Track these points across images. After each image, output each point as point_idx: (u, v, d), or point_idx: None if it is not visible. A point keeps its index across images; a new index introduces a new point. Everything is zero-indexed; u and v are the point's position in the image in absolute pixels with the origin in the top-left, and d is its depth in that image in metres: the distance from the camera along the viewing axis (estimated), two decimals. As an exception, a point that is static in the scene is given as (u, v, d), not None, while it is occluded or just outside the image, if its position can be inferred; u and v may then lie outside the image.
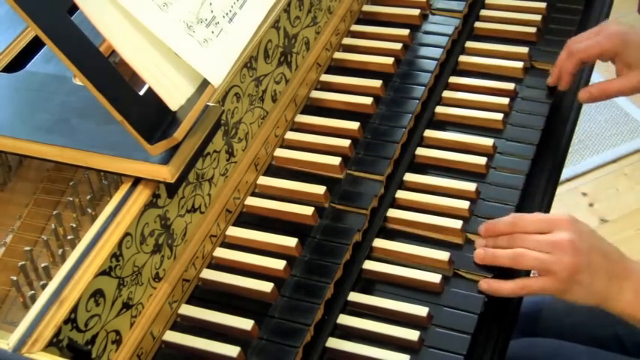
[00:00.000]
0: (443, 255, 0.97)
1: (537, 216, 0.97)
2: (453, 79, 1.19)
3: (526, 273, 0.98)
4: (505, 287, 0.94)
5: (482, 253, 0.97)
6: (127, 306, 0.87)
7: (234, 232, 1.01)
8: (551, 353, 1.15)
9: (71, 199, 0.98)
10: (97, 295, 0.82)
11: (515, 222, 0.96)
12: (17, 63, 1.03)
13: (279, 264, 0.96)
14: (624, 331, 1.15)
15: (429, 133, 1.13)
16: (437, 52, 1.21)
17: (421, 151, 1.10)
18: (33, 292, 0.92)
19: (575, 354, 1.14)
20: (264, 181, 1.07)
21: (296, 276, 0.96)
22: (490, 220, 0.99)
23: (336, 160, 1.06)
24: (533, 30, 1.24)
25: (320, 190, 1.03)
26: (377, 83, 1.16)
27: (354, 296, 0.95)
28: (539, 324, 1.21)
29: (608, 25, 1.11)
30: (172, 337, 0.92)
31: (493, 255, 0.96)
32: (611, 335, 1.16)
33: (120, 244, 0.84)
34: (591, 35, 1.12)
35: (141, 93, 0.86)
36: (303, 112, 1.15)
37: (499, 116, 1.12)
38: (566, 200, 2.30)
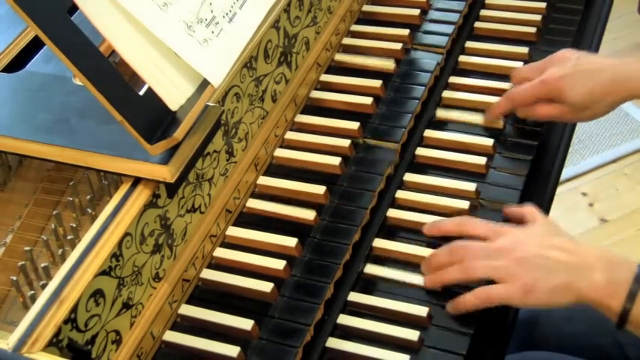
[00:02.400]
0: (443, 255, 0.97)
1: (481, 223, 0.96)
2: (453, 79, 1.19)
3: None
4: (469, 300, 0.91)
5: (432, 277, 0.95)
6: (126, 306, 0.87)
7: (234, 232, 1.01)
8: None
9: (71, 199, 0.98)
10: (97, 295, 0.82)
11: (463, 222, 0.96)
12: (17, 63, 1.03)
13: (279, 264, 0.96)
14: (625, 338, 1.15)
15: (429, 133, 1.13)
16: (437, 53, 1.21)
17: (421, 151, 1.10)
18: (33, 292, 0.92)
19: None
20: (264, 181, 1.07)
21: (296, 276, 0.96)
22: (434, 221, 0.99)
23: (336, 160, 1.06)
24: (533, 30, 1.24)
25: (320, 190, 1.03)
26: (377, 83, 1.16)
27: (354, 296, 0.95)
28: (537, 332, 1.21)
29: (553, 62, 1.09)
30: (172, 337, 0.92)
31: (442, 276, 0.94)
32: (612, 343, 1.15)
33: (120, 244, 0.84)
34: (537, 69, 1.10)
35: (141, 93, 0.86)
36: (303, 112, 1.15)
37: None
38: (566, 200, 2.30)
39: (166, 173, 0.86)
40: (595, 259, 0.90)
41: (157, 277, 0.91)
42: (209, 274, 0.97)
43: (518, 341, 1.20)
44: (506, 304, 0.91)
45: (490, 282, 0.92)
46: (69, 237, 0.95)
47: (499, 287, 0.90)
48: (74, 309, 0.79)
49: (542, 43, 1.24)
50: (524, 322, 1.19)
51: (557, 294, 0.89)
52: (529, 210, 0.98)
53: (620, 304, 0.88)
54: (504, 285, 0.90)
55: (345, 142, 1.09)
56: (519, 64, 1.19)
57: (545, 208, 1.06)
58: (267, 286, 0.94)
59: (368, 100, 1.14)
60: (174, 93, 0.87)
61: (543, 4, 1.28)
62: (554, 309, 1.21)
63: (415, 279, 0.96)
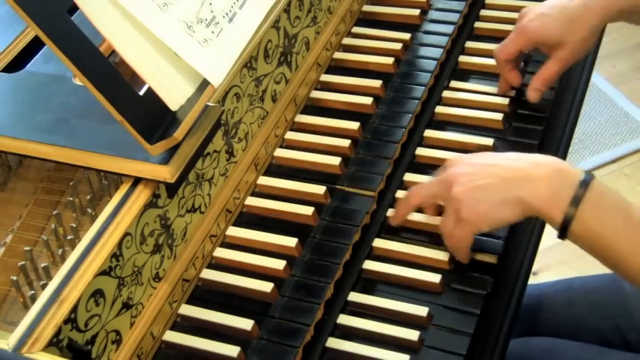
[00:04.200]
0: (443, 255, 0.97)
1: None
2: (452, 79, 1.19)
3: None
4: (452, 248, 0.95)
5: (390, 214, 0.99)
6: (127, 306, 0.87)
7: (234, 232, 1.01)
8: (544, 350, 1.15)
9: (71, 199, 0.98)
10: (97, 295, 0.82)
11: (410, 194, 0.99)
12: (17, 63, 1.03)
13: (279, 264, 0.96)
14: (624, 322, 1.15)
15: (429, 133, 1.13)
16: (437, 52, 1.21)
17: (421, 151, 1.10)
18: (33, 292, 0.92)
19: (567, 349, 1.14)
20: (264, 181, 1.07)
21: (296, 276, 0.96)
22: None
23: (336, 160, 1.07)
24: (533, 30, 1.24)
25: (320, 190, 1.03)
26: (377, 83, 1.16)
27: (354, 296, 0.95)
28: (539, 317, 1.21)
29: (521, 18, 1.11)
30: (172, 337, 0.92)
31: (395, 212, 0.99)
32: (612, 327, 1.16)
33: (120, 244, 0.84)
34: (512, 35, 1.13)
35: (141, 93, 0.86)
36: (303, 112, 1.15)
37: (499, 116, 1.12)
38: (566, 200, 2.30)
39: (166, 173, 0.86)
40: (539, 169, 0.88)
41: (157, 277, 0.91)
42: (209, 274, 0.97)
43: (520, 327, 1.21)
44: (470, 236, 0.92)
45: None
46: (69, 237, 0.95)
47: (445, 215, 0.93)
48: (74, 309, 0.80)
49: (542, 43, 1.24)
50: (525, 307, 1.19)
51: (503, 209, 0.89)
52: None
53: (563, 211, 0.85)
54: (449, 212, 0.92)
55: (345, 142, 1.09)
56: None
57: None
58: (267, 286, 0.94)
59: (368, 100, 1.14)
60: (174, 93, 0.87)
61: (543, 4, 1.28)
62: (557, 293, 1.21)
63: (415, 279, 0.96)
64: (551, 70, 1.11)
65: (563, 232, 0.86)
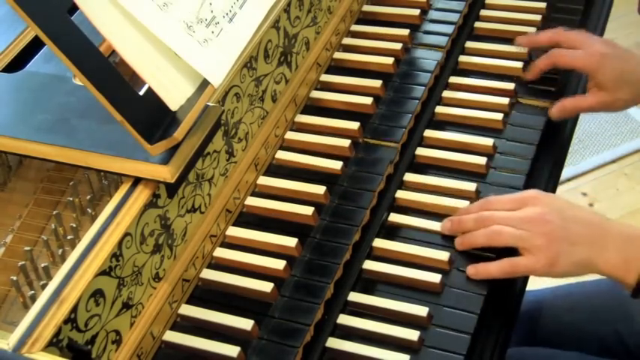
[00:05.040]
0: (443, 255, 0.97)
1: (506, 196, 0.99)
2: (453, 79, 1.19)
3: None
4: (493, 269, 0.95)
5: (460, 239, 0.98)
6: (127, 306, 0.87)
7: (234, 232, 1.01)
8: (542, 359, 1.15)
9: (71, 199, 0.98)
10: (97, 295, 0.82)
11: (485, 204, 0.98)
12: (17, 63, 1.03)
13: (279, 264, 0.96)
14: (624, 327, 1.15)
15: (429, 133, 1.13)
16: (437, 52, 1.21)
17: (421, 151, 1.10)
18: (33, 292, 0.92)
19: (565, 359, 1.14)
20: (264, 181, 1.07)
21: (296, 276, 0.96)
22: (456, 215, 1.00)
23: (336, 161, 1.06)
24: (533, 30, 1.24)
25: (320, 190, 1.03)
26: (377, 83, 1.16)
27: (354, 296, 0.95)
28: (539, 323, 1.22)
29: (594, 43, 1.12)
30: (172, 337, 0.92)
31: (470, 239, 0.97)
32: (612, 332, 1.16)
33: (120, 244, 0.84)
34: (581, 41, 1.13)
35: (141, 93, 0.86)
36: (303, 112, 1.15)
37: (499, 116, 1.12)
38: (566, 200, 2.30)
39: (166, 173, 0.86)
40: (612, 235, 0.93)
41: (157, 277, 0.91)
42: (209, 274, 0.97)
43: (519, 333, 1.21)
44: (528, 274, 0.95)
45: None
46: (69, 237, 0.95)
47: (524, 259, 0.94)
48: (74, 309, 0.79)
49: (542, 43, 1.24)
50: (525, 314, 1.20)
51: (578, 267, 0.93)
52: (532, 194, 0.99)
53: (635, 276, 0.91)
54: (529, 257, 0.93)
55: (345, 142, 1.09)
56: (519, 64, 1.19)
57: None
58: (267, 286, 0.94)
59: (368, 100, 1.14)
60: (174, 93, 0.87)
61: (543, 4, 1.28)
62: (557, 299, 1.22)
63: (415, 279, 0.96)
64: (589, 104, 1.12)
65: (637, 293, 0.92)
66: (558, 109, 1.12)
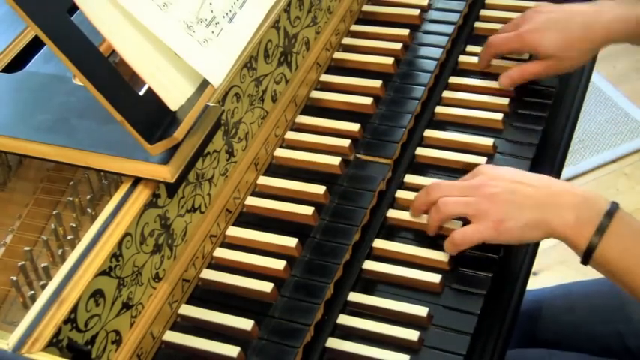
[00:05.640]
0: (443, 255, 0.97)
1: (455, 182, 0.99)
2: (453, 79, 1.19)
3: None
4: (449, 247, 0.95)
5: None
6: (126, 306, 0.87)
7: (234, 232, 1.01)
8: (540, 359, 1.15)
9: (71, 199, 0.98)
10: (97, 295, 0.82)
11: (433, 186, 0.99)
12: (17, 63, 1.03)
13: (279, 264, 0.96)
14: (624, 327, 1.15)
15: (429, 133, 1.13)
16: (437, 52, 1.21)
17: (421, 151, 1.10)
18: (33, 292, 0.92)
19: (564, 358, 1.14)
20: (264, 181, 1.07)
21: (296, 276, 0.96)
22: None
23: (336, 160, 1.07)
24: (533, 30, 1.24)
25: (320, 190, 1.03)
26: (377, 83, 1.16)
27: (354, 296, 0.95)
28: (539, 323, 1.21)
29: (524, 22, 1.13)
30: (172, 337, 0.92)
31: (428, 223, 0.98)
32: (612, 332, 1.16)
33: (120, 244, 0.84)
34: (514, 23, 1.15)
35: (141, 93, 0.86)
36: (303, 112, 1.15)
37: (499, 116, 1.12)
38: (566, 200, 2.30)
39: (166, 173, 0.86)
40: (567, 196, 0.91)
41: (157, 277, 0.91)
42: (209, 274, 0.97)
43: (519, 333, 1.21)
44: (481, 241, 0.94)
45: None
46: (69, 237, 0.95)
47: (471, 226, 0.93)
48: (74, 309, 0.80)
49: (542, 43, 1.23)
50: (524, 313, 1.20)
51: (528, 229, 0.91)
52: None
53: (587, 239, 0.88)
54: (476, 225, 0.93)
55: (345, 142, 1.09)
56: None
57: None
58: (267, 286, 0.94)
59: (368, 100, 1.14)
60: (174, 93, 0.87)
61: (543, 4, 1.28)
62: (557, 298, 1.22)
63: (415, 279, 0.96)
64: (533, 70, 1.13)
65: (586, 259, 0.89)
66: (505, 78, 1.13)
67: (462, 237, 0.94)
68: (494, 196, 0.92)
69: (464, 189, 0.95)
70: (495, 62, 1.20)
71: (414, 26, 1.25)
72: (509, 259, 0.99)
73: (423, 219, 1.01)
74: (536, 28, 1.10)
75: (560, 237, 0.91)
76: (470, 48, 1.24)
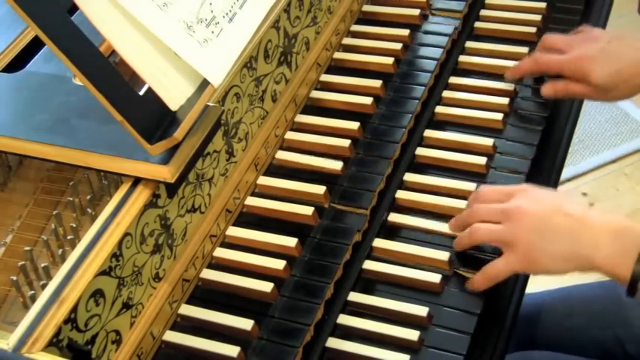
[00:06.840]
0: (443, 255, 0.97)
1: (496, 188, 0.97)
2: (453, 79, 1.19)
3: None
4: (478, 283, 0.93)
5: (455, 241, 0.97)
6: (127, 306, 0.87)
7: (234, 232, 1.01)
8: None
9: (71, 199, 0.98)
10: (97, 295, 0.82)
11: (474, 198, 0.98)
12: (17, 63, 1.03)
13: (279, 264, 0.96)
14: (624, 333, 1.15)
15: (429, 133, 1.13)
16: (437, 52, 1.21)
17: (421, 151, 1.10)
18: (33, 292, 0.92)
19: None
20: (264, 181, 1.07)
21: (296, 276, 0.96)
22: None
23: (337, 164, 1.06)
24: (533, 30, 1.24)
25: (320, 190, 1.03)
26: (377, 83, 1.16)
27: (354, 296, 0.95)
28: (538, 328, 1.21)
29: (581, 44, 1.10)
30: (172, 337, 0.92)
31: (457, 240, 0.97)
32: (611, 337, 1.15)
33: (120, 244, 0.84)
34: (567, 43, 1.12)
35: (141, 93, 0.86)
36: (303, 112, 1.15)
37: (499, 116, 1.12)
38: (566, 200, 2.30)
39: (166, 173, 0.86)
40: (602, 228, 0.88)
41: (157, 277, 0.91)
42: (209, 274, 0.97)
43: (519, 338, 1.20)
44: (512, 274, 0.92)
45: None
46: (69, 237, 0.95)
47: (501, 259, 0.92)
48: (74, 309, 0.79)
49: (542, 43, 1.23)
50: (523, 318, 1.19)
51: (561, 261, 0.89)
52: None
53: (629, 270, 0.86)
54: (506, 256, 0.91)
55: (345, 142, 1.09)
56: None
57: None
58: (267, 286, 0.94)
59: (368, 100, 1.14)
60: (174, 93, 0.87)
61: (543, 4, 1.28)
62: (556, 303, 1.21)
63: (415, 279, 0.96)
64: (578, 92, 1.10)
65: (632, 288, 0.87)
66: (549, 89, 1.12)
67: (496, 272, 0.92)
68: (524, 225, 0.90)
69: (498, 214, 0.93)
70: (495, 62, 1.20)
71: (414, 26, 1.25)
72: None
73: (423, 220, 1.01)
74: (592, 57, 1.07)
75: (601, 270, 0.88)
76: (470, 48, 1.24)
